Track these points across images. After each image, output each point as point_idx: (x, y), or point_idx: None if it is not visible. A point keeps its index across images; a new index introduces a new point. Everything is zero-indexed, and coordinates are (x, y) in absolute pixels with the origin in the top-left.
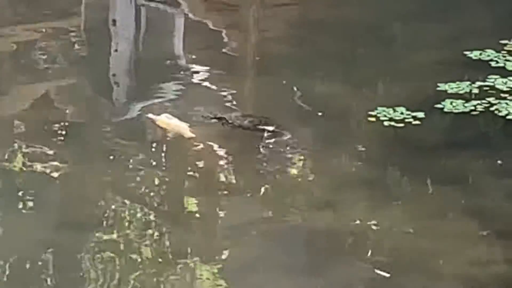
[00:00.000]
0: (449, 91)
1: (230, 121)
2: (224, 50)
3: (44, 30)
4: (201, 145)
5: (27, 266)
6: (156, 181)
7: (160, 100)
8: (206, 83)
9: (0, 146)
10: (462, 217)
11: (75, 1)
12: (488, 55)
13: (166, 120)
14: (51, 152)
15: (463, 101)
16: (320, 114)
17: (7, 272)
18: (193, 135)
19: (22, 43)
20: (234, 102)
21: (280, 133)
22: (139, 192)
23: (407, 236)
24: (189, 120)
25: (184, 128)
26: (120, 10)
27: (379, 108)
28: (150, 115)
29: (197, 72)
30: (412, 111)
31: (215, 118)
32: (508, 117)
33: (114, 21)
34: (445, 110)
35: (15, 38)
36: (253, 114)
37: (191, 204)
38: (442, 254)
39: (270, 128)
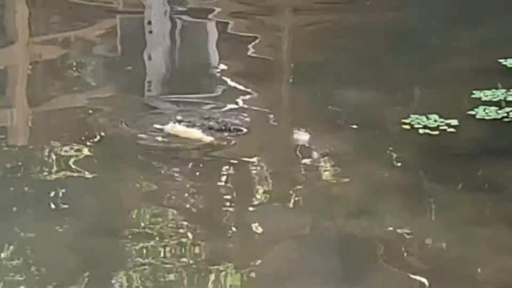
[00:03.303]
0: (483, 99)
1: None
2: (256, 57)
3: (77, 39)
4: (224, 151)
5: (60, 273)
6: (189, 188)
7: (192, 108)
8: (238, 91)
9: (35, 153)
10: (498, 225)
11: (109, 10)
12: None
13: (177, 128)
14: (84, 160)
15: (496, 108)
16: (354, 125)
17: (39, 279)
18: (212, 138)
19: (57, 52)
20: (266, 110)
21: (237, 136)
22: (172, 199)
23: (443, 244)
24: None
25: (197, 133)
26: (155, 19)
27: (412, 116)
28: (156, 125)
29: (229, 81)
30: (446, 119)
31: (179, 121)
32: None
33: (150, 29)
34: (477, 117)
35: (50, 47)
36: (215, 118)
37: (224, 210)
38: (478, 262)
39: (227, 130)
